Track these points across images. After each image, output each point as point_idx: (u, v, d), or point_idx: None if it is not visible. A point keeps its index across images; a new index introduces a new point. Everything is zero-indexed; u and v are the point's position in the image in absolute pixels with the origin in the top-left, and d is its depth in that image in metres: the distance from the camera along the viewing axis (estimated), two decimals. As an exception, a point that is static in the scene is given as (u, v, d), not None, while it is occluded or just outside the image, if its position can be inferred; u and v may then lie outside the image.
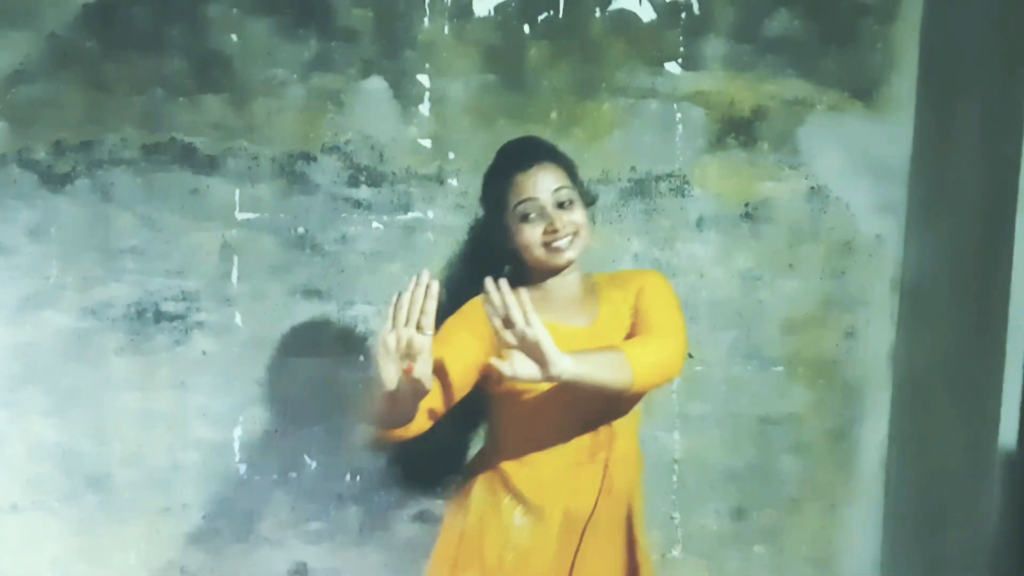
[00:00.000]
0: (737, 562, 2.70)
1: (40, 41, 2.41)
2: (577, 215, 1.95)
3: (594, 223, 2.08)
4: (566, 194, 1.94)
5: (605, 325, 1.99)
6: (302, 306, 2.52)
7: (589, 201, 2.06)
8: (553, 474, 2.00)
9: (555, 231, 1.92)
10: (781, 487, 2.68)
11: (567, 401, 1.90)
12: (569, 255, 1.94)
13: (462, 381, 1.91)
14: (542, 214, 1.93)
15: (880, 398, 2.67)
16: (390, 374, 1.70)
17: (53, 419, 2.49)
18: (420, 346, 1.69)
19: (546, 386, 1.86)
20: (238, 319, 2.51)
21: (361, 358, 2.53)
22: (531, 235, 1.93)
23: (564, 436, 1.99)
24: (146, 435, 2.52)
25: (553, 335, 1.69)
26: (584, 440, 2.00)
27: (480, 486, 2.08)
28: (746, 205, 2.60)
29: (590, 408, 1.95)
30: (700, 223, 2.59)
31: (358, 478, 2.57)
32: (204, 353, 2.51)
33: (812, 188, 2.61)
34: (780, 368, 2.65)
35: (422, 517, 2.58)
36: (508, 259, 2.05)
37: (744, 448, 2.67)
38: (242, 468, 2.55)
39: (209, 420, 2.53)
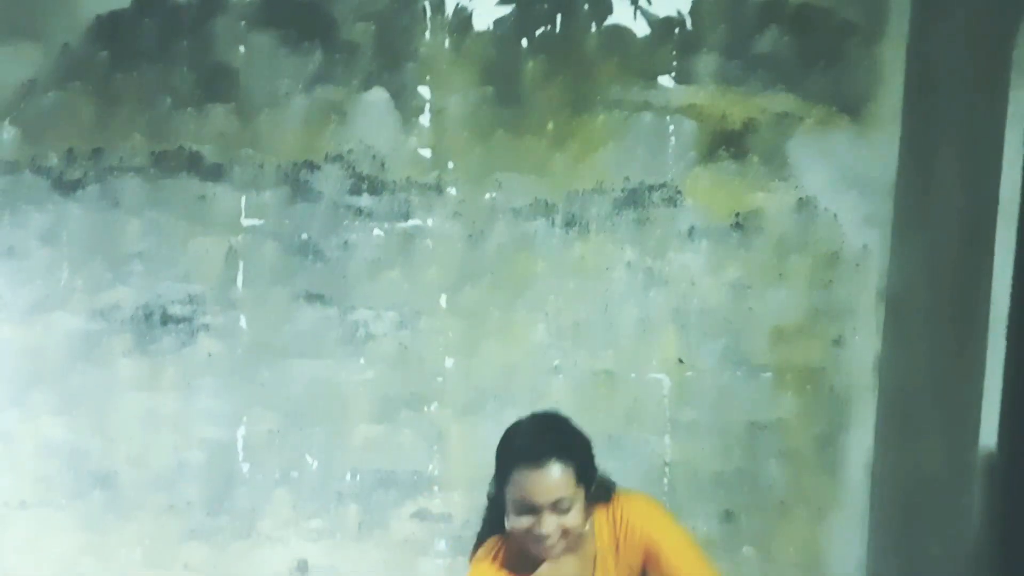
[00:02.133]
0: (726, 564, 2.75)
1: (53, 52, 2.50)
2: (570, 518, 1.78)
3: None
4: (565, 503, 1.77)
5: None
6: (305, 310, 2.59)
7: (595, 487, 1.87)
8: None
9: (541, 534, 1.78)
10: (769, 491, 2.74)
11: None
12: (556, 552, 1.80)
13: None
14: (534, 512, 1.77)
15: (866, 405, 2.73)
16: None
17: (61, 418, 2.57)
18: None
19: None
20: (242, 322, 2.59)
21: (361, 361, 2.60)
22: (517, 525, 1.79)
23: None
24: (152, 434, 2.60)
25: None
26: None
27: None
28: (736, 216, 2.67)
29: None
30: (691, 233, 2.66)
31: (358, 477, 2.64)
32: (209, 355, 2.58)
33: (800, 200, 2.67)
34: (769, 375, 2.71)
35: (420, 515, 2.65)
36: None
37: (733, 453, 2.73)
38: (245, 467, 2.62)
39: (213, 420, 2.61)
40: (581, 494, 1.80)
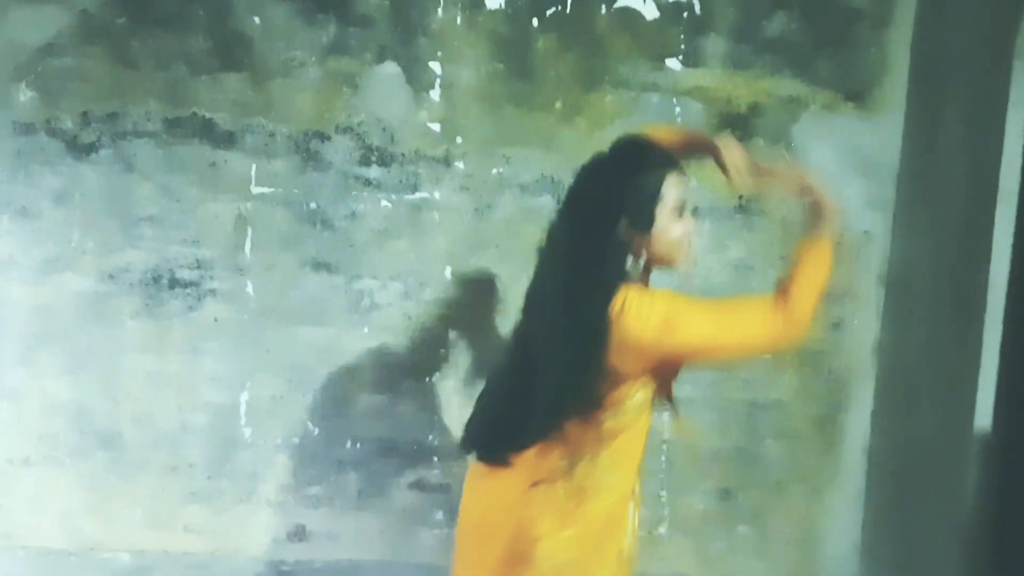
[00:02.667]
0: (722, 541, 2.78)
1: (72, 17, 2.54)
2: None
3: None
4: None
5: None
6: (311, 278, 2.62)
7: None
8: None
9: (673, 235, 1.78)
10: (767, 470, 2.76)
11: None
12: (691, 258, 1.85)
13: None
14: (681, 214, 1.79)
15: (864, 387, 2.77)
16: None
17: (68, 378, 2.59)
18: None
19: None
20: (249, 288, 2.62)
21: (365, 330, 2.63)
22: (676, 233, 1.77)
23: None
24: (156, 396, 2.62)
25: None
26: None
27: None
28: (740, 198, 2.70)
29: None
30: (695, 213, 2.67)
31: (358, 445, 2.67)
32: (216, 320, 2.61)
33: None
34: (769, 356, 2.73)
35: (419, 485, 2.68)
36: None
37: (732, 432, 2.76)
38: (247, 432, 2.65)
39: (218, 384, 2.63)
40: None
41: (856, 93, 2.70)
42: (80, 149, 2.56)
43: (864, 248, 2.73)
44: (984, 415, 2.40)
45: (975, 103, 2.48)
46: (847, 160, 2.71)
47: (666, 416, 2.71)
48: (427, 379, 2.68)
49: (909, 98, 2.70)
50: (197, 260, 2.60)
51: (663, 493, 2.74)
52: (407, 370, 2.67)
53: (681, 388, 2.68)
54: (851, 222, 2.73)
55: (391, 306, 2.64)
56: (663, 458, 2.74)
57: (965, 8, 2.53)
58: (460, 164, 2.63)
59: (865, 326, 2.75)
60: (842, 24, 2.69)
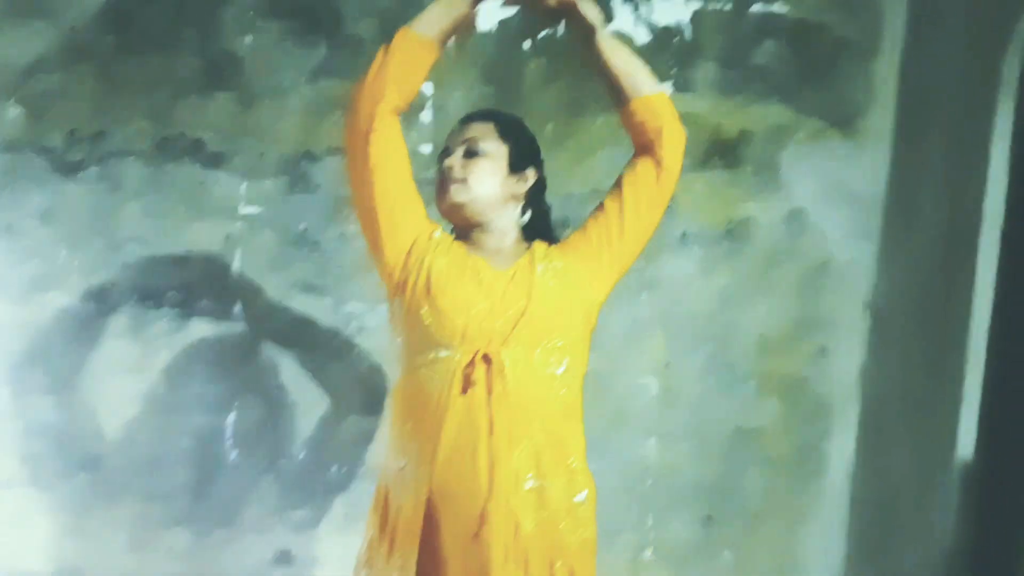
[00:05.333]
0: (705, 568, 2.79)
1: (60, 35, 2.52)
2: (475, 166, 1.90)
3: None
4: (478, 146, 1.91)
5: (521, 268, 1.89)
6: (299, 300, 2.61)
7: (526, 168, 1.96)
8: None
9: (443, 173, 1.94)
10: (750, 498, 2.77)
11: None
12: (451, 199, 1.91)
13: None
14: (448, 154, 1.95)
15: (848, 415, 2.78)
16: None
17: (51, 398, 2.56)
18: None
19: None
20: (236, 310, 2.60)
21: (354, 353, 2.62)
22: (438, 175, 1.96)
23: None
24: (140, 419, 2.60)
25: (479, 272, 1.85)
26: None
27: None
28: (727, 224, 2.72)
29: None
30: (683, 239, 2.70)
31: (344, 469, 2.66)
32: (202, 341, 2.59)
33: (790, 211, 2.73)
34: (753, 383, 2.75)
35: (404, 509, 2.66)
36: None
37: (715, 459, 2.76)
38: (232, 455, 2.63)
39: (203, 407, 2.61)
40: (502, 152, 1.93)
41: (843, 122, 2.72)
42: (67, 168, 2.53)
43: (849, 276, 2.75)
44: (966, 446, 2.43)
45: (960, 133, 2.51)
46: (833, 188, 2.73)
47: (651, 443, 2.74)
48: (414, 402, 2.67)
49: (895, 127, 2.73)
50: (184, 281, 2.58)
51: (648, 519, 2.74)
52: (394, 393, 2.66)
53: (666, 414, 2.74)
54: (836, 250, 2.75)
55: (379, 329, 2.63)
56: (648, 484, 2.74)
57: (951, 39, 2.56)
58: (450, 187, 2.63)
59: (850, 354, 2.76)
60: (830, 53, 2.71)
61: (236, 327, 2.60)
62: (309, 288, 2.61)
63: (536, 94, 2.64)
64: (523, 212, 1.96)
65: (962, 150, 2.50)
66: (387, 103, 1.86)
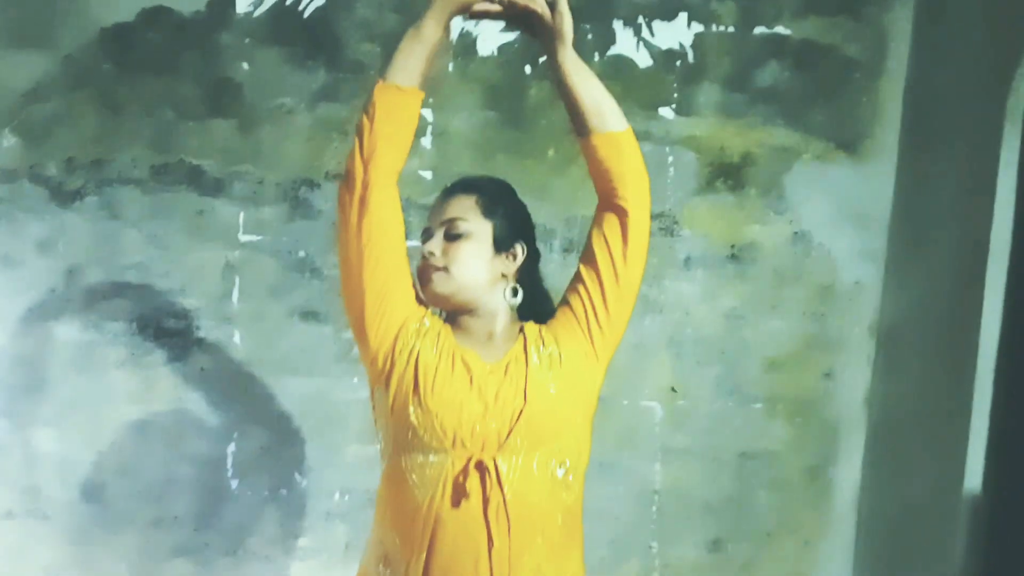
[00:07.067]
0: (713, 592, 2.77)
1: (56, 62, 2.50)
2: (457, 251, 1.74)
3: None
4: (458, 228, 1.76)
5: (515, 359, 1.74)
6: (299, 327, 2.59)
7: (514, 244, 1.81)
8: None
9: (424, 260, 1.77)
10: (757, 521, 2.75)
11: None
12: (433, 290, 1.75)
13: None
14: (429, 235, 1.79)
15: (855, 438, 2.76)
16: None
17: (52, 429, 2.55)
18: None
19: None
20: (237, 338, 2.58)
21: (355, 380, 2.60)
22: (420, 260, 1.78)
23: None
24: (142, 448, 2.58)
25: (470, 368, 1.69)
26: None
27: None
28: (732, 247, 2.69)
29: None
30: (688, 262, 2.68)
31: (346, 497, 2.64)
32: (202, 369, 2.58)
33: (796, 233, 2.70)
34: (760, 405, 2.73)
35: (408, 538, 2.64)
36: None
37: (723, 481, 2.74)
38: (234, 483, 2.61)
39: (204, 435, 2.59)
40: (486, 231, 1.77)
41: (848, 143, 2.69)
42: (65, 196, 2.52)
43: (855, 298, 2.73)
44: (974, 474, 2.40)
45: (967, 154, 2.48)
46: (839, 210, 2.70)
47: (658, 467, 2.71)
48: (417, 429, 2.65)
49: (901, 149, 2.70)
50: (183, 309, 2.56)
51: (654, 544, 2.72)
52: (396, 420, 2.64)
53: (673, 437, 2.72)
54: (843, 272, 2.72)
55: (381, 356, 2.61)
56: (654, 508, 2.72)
57: (957, 59, 2.53)
58: (451, 212, 2.61)
59: (856, 376, 2.74)
60: (835, 73, 2.68)
61: (236, 355, 2.58)
62: (309, 315, 2.59)
63: (537, 118, 2.61)
64: (515, 292, 1.79)
65: (969, 171, 2.47)
66: (381, 161, 1.70)
